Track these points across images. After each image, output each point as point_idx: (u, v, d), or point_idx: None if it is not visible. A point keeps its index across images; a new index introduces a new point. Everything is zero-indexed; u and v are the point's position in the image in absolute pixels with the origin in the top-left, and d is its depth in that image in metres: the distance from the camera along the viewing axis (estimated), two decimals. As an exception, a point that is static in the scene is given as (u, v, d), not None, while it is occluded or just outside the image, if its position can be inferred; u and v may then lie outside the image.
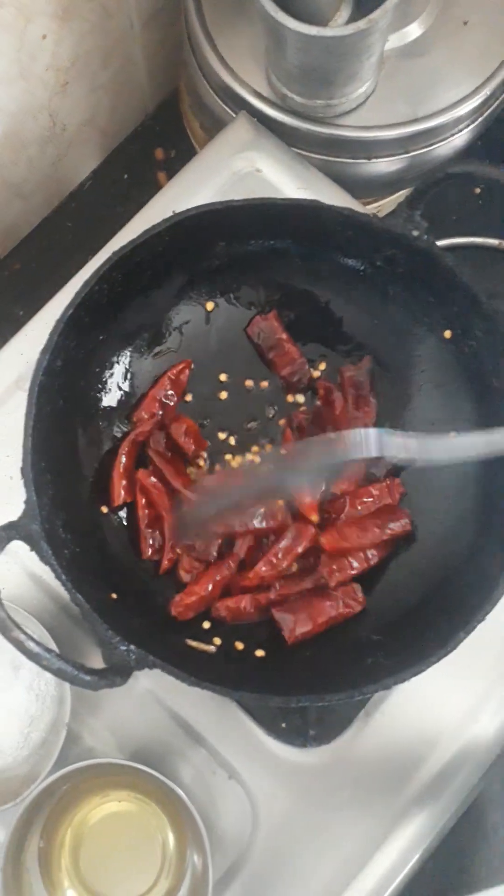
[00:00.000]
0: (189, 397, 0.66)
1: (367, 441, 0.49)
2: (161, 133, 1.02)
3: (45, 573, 0.54)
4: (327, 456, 0.51)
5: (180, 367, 0.65)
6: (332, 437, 0.53)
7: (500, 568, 0.54)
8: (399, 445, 0.49)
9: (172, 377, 0.65)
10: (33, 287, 0.94)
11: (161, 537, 0.62)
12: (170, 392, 0.65)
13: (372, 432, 0.49)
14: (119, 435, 0.64)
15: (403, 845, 0.59)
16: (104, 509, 0.62)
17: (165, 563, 0.61)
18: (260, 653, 0.59)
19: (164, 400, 0.64)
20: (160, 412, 0.64)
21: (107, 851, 0.61)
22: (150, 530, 0.62)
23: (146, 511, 0.62)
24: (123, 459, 0.62)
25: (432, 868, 0.64)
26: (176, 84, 0.98)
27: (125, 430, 0.64)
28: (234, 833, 0.60)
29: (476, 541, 0.59)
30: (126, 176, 1.03)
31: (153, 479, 0.62)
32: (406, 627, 0.58)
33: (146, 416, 0.64)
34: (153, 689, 0.62)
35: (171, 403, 0.65)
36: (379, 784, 0.61)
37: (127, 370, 0.65)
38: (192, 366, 0.66)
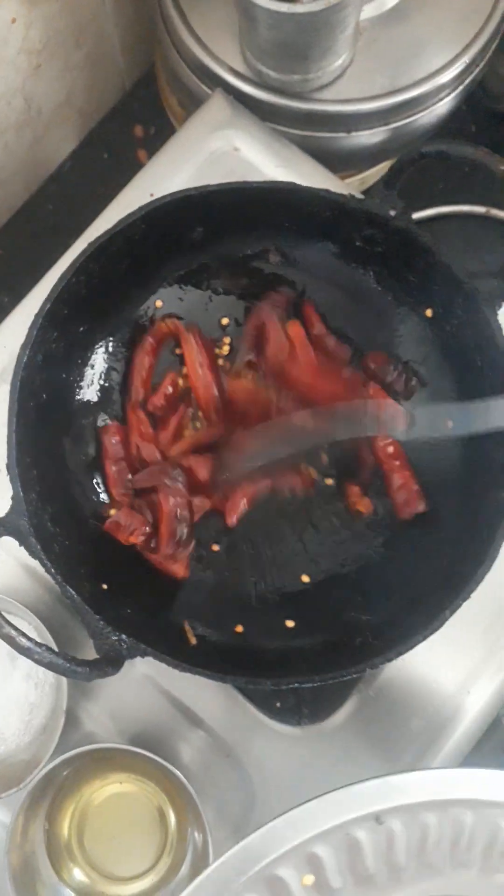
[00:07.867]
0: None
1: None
2: (139, 110, 1.01)
3: (39, 565, 0.55)
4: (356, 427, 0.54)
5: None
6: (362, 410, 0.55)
7: (484, 548, 0.54)
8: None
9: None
10: (18, 273, 0.93)
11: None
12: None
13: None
14: (102, 425, 0.64)
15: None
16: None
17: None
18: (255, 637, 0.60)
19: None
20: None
21: (110, 831, 0.62)
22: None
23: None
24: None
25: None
26: (152, 60, 0.96)
27: (108, 422, 0.64)
28: (233, 809, 0.62)
29: (460, 521, 0.59)
30: (106, 155, 1.01)
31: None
32: (393, 607, 0.59)
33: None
34: (150, 674, 0.63)
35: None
36: (374, 757, 0.62)
37: (108, 362, 0.65)
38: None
